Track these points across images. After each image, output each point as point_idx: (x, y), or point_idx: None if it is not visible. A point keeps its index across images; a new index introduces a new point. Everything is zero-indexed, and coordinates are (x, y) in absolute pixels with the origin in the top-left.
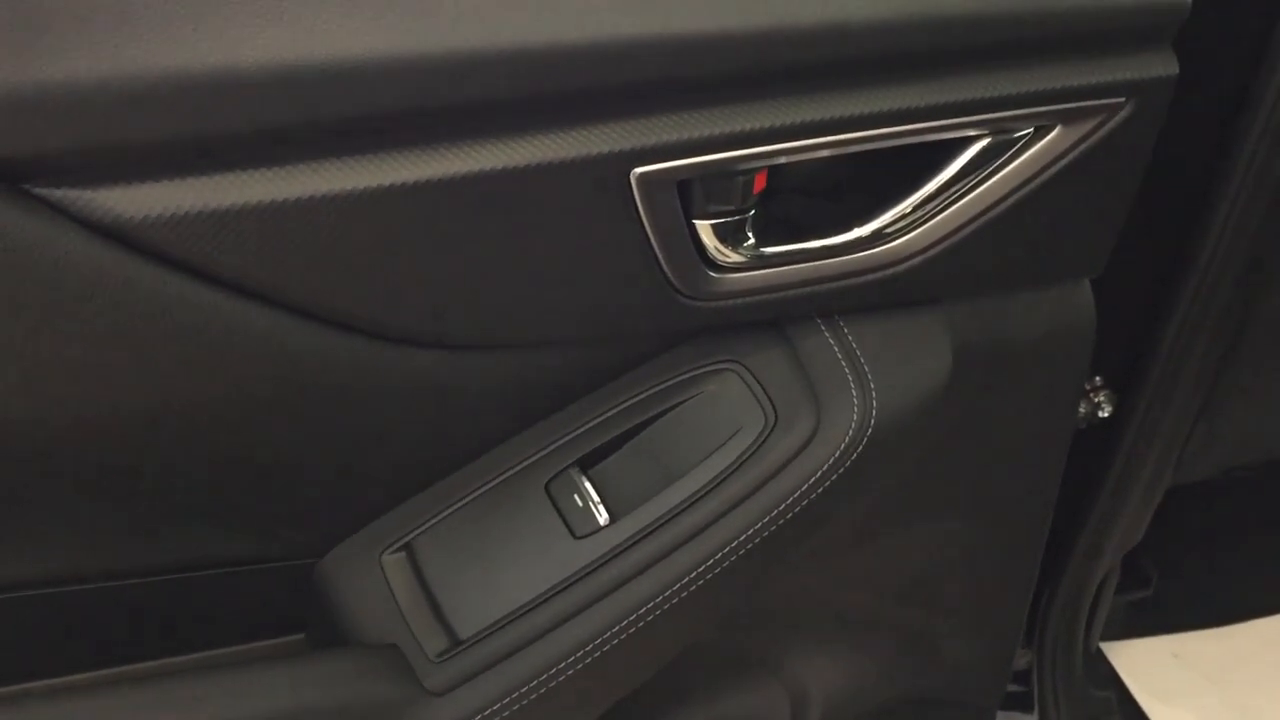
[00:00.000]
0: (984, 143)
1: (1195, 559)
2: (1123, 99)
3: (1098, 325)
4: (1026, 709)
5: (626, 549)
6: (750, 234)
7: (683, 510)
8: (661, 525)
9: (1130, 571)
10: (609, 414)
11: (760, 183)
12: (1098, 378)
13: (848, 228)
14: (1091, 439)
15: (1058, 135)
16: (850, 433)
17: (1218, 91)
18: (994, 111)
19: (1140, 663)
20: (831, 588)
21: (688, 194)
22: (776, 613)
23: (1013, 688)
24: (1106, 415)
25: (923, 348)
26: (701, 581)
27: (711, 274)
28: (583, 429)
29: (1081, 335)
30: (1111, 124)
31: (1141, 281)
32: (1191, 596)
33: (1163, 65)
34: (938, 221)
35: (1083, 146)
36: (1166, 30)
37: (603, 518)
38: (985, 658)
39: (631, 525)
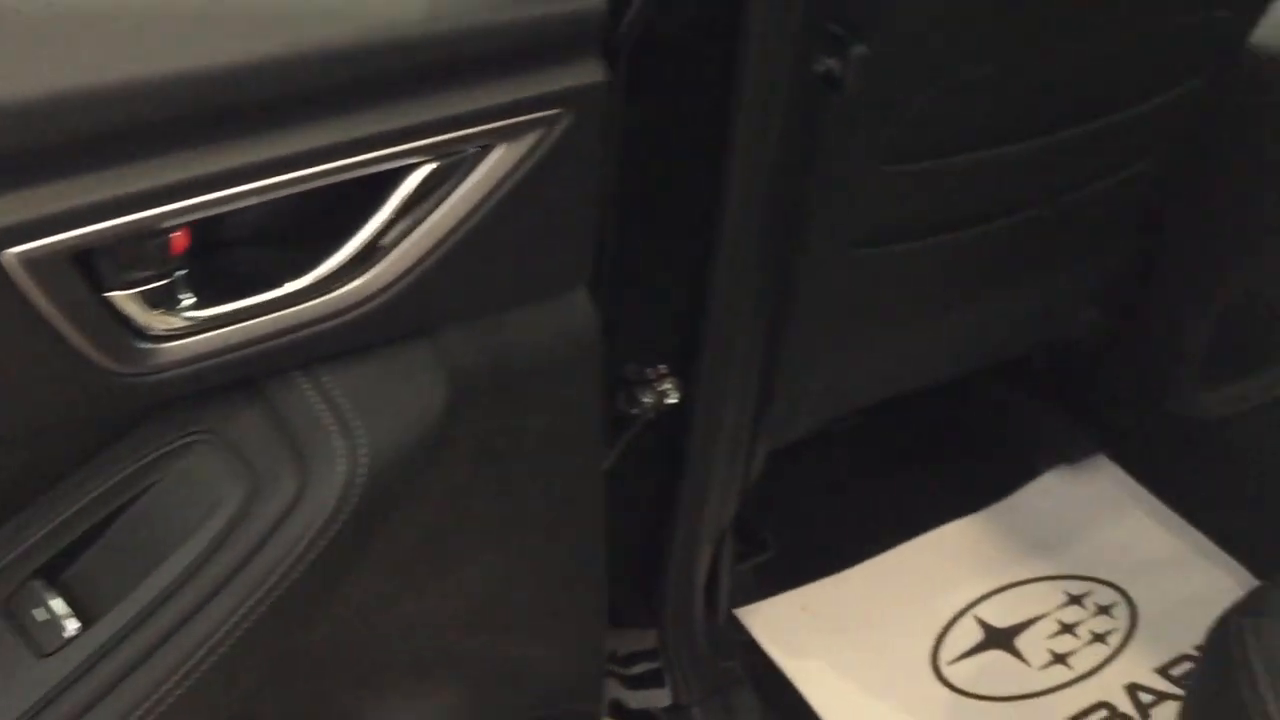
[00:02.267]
0: (428, 168)
1: (809, 512)
2: (559, 110)
3: (655, 317)
4: (662, 685)
5: (105, 656)
6: (188, 295)
7: (164, 601)
8: (142, 622)
9: (747, 538)
10: (69, 513)
11: (182, 242)
12: (662, 366)
13: (300, 274)
14: (672, 426)
15: (502, 153)
16: (341, 486)
17: (707, 65)
18: (429, 136)
19: (773, 622)
20: (396, 633)
21: (94, 265)
22: (341, 670)
23: (647, 666)
24: (674, 401)
25: (413, 384)
26: (204, 668)
27: (147, 345)
28: (40, 535)
29: (585, 343)
30: (554, 135)
31: (680, 268)
32: (811, 549)
33: (591, 72)
34: (398, 254)
35: (531, 160)
36: (589, 38)
37: (72, 628)
38: (574, 667)
39: (106, 629)
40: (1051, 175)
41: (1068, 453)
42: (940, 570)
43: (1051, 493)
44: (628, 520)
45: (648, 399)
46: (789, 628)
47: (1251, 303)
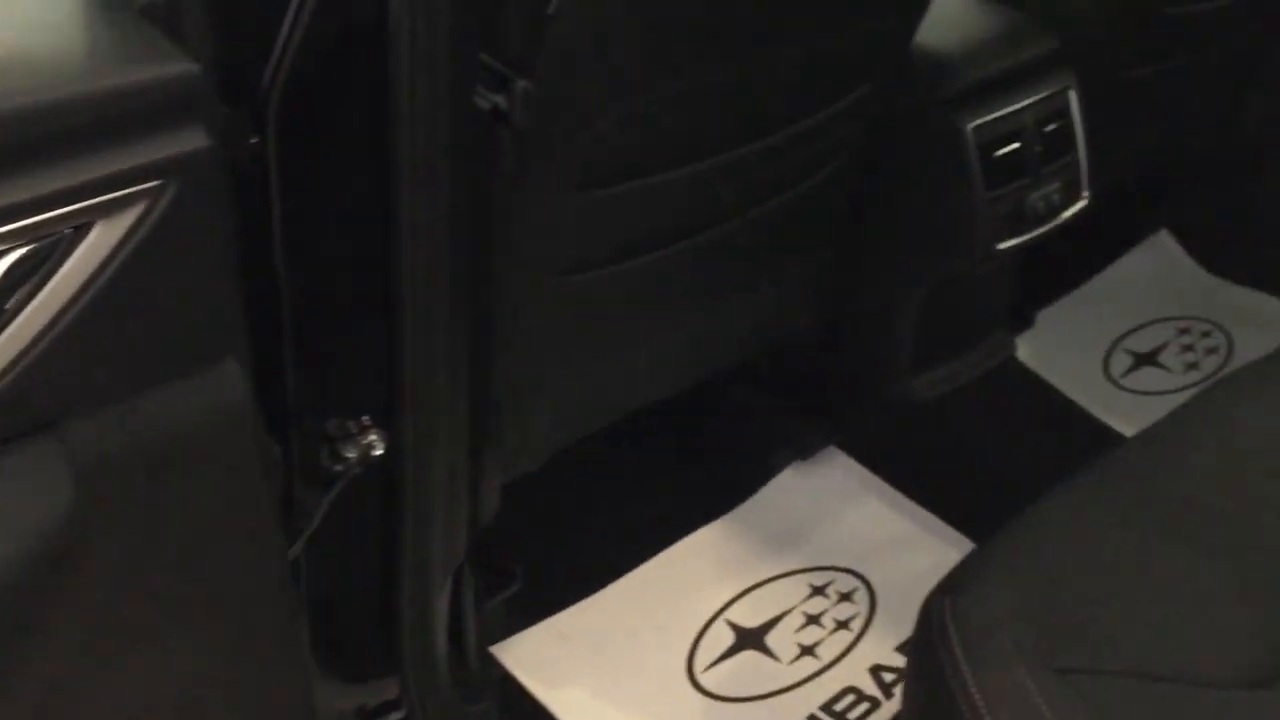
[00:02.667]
0: (19, 253)
1: (559, 537)
2: (161, 181)
3: (352, 368)
4: None
5: None
6: None
7: None
8: None
9: (495, 572)
10: None
11: None
12: (365, 418)
13: None
14: (386, 475)
15: (102, 230)
16: None
17: (364, 113)
18: (11, 221)
19: (529, 654)
20: None
21: None
22: None
23: (399, 716)
24: (381, 453)
25: (33, 486)
26: None
27: None
28: None
29: (236, 414)
30: (161, 207)
31: (369, 315)
32: (564, 574)
33: (193, 139)
34: None
35: (139, 235)
36: (186, 104)
37: None
38: None
39: None
40: (746, 186)
41: (801, 448)
42: (691, 579)
43: (789, 489)
44: (358, 572)
45: (352, 453)
46: (546, 658)
47: (949, 289)
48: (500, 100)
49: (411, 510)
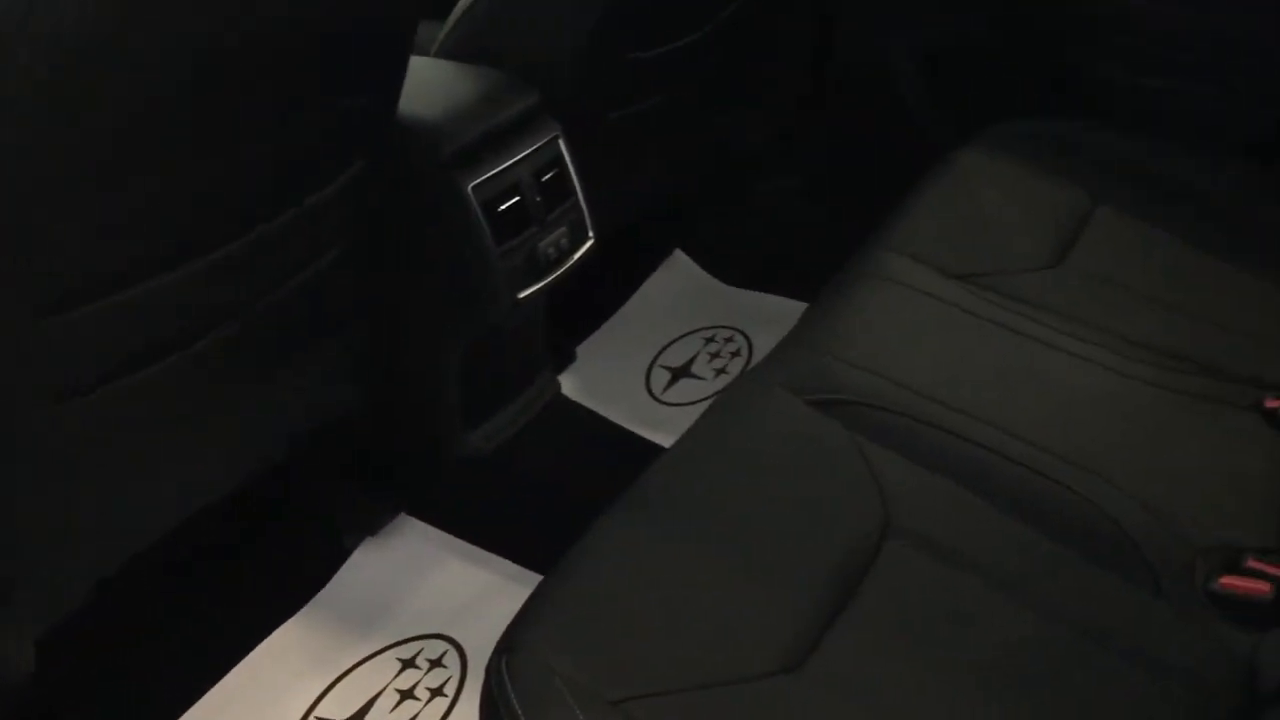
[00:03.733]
0: None
1: (109, 681)
2: None
3: None
4: None
5: None
6: None
7: None
8: None
9: None
10: None
11: None
12: None
13: None
14: None
15: None
16: None
17: None
18: None
19: None
20: None
21: None
22: None
23: None
24: None
25: None
26: None
27: None
28: None
29: None
30: None
31: None
32: (132, 713)
33: None
34: None
35: None
36: None
37: None
38: None
39: None
40: (248, 280)
41: (370, 523)
42: (274, 683)
43: (364, 567)
44: None
45: None
46: None
47: (488, 342)
48: None
49: None
